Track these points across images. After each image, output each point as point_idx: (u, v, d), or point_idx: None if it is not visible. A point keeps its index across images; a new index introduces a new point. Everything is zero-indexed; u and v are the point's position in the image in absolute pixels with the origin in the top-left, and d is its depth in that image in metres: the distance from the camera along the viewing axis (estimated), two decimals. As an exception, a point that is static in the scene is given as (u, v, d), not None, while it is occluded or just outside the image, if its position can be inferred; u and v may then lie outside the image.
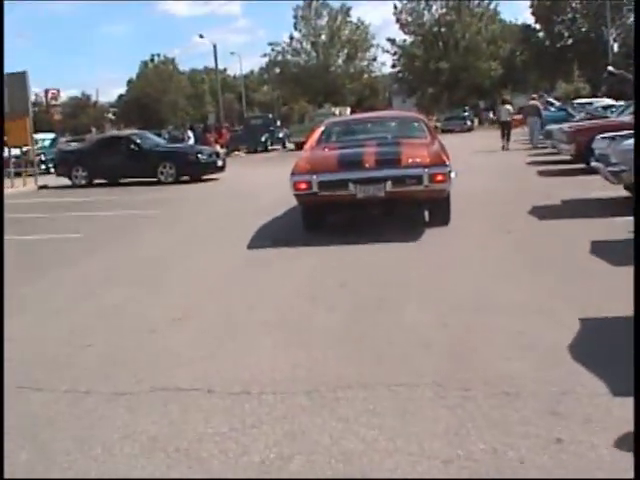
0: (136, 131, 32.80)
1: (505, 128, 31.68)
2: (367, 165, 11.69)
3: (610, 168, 12.12)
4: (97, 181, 26.09)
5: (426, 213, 12.68)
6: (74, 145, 36.00)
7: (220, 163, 25.86)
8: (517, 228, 11.36)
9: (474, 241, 10.62)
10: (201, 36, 73.11)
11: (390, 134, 13.71)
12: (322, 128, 14.58)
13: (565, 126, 21.13)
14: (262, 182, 22.61)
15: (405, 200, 11.75)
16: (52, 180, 27.04)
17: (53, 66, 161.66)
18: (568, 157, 20.26)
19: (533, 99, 33.70)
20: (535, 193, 15.40)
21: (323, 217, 12.57)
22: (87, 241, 12.94)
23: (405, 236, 11.21)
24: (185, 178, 24.92)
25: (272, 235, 12.15)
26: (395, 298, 7.48)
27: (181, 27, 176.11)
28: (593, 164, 13.85)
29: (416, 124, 14.55)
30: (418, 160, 11.61)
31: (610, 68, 32.85)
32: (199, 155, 25.32)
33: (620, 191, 12.82)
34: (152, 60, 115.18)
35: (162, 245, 12.16)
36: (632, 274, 6.34)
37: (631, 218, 8.42)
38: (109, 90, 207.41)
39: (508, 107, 32.87)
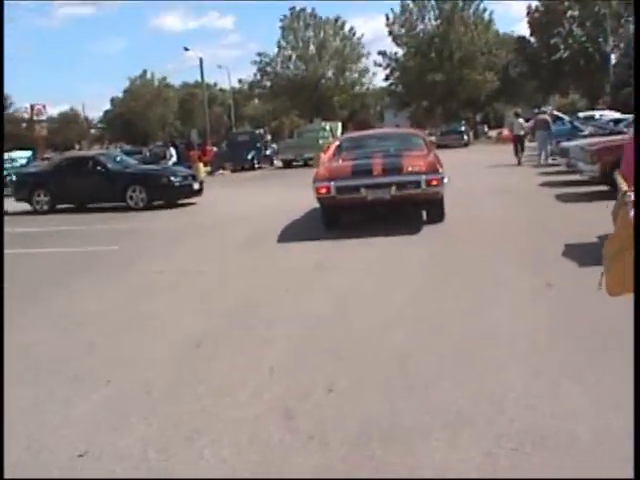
0: (103, 151, 30.28)
1: (519, 142, 30.62)
2: (375, 173, 14.35)
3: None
4: (62, 206, 23.39)
5: (424, 212, 15.08)
6: (36, 165, 33.47)
7: (197, 186, 23.21)
8: (556, 279, 8.81)
9: (509, 301, 8.06)
10: (186, 49, 69.94)
11: (393, 147, 16.35)
12: (337, 143, 18.10)
13: (586, 143, 18.65)
14: (242, 209, 20.23)
15: (407, 201, 14.49)
16: (12, 205, 24.13)
17: (45, 82, 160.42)
18: (586, 178, 17.81)
19: (542, 112, 31.94)
20: (561, 226, 13.00)
21: (339, 216, 15.14)
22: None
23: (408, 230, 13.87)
24: (159, 203, 22.25)
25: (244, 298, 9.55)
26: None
27: (174, 42, 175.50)
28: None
29: (415, 139, 17.56)
30: (417, 168, 14.32)
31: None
32: (172, 178, 22.62)
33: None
34: (142, 76, 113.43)
35: (95, 306, 9.43)
36: None
37: None
38: (102, 105, 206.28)
39: (521, 121, 31.71)
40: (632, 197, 3.16)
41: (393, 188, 14.13)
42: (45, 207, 23.19)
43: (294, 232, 14.98)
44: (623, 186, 3.37)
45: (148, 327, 8.01)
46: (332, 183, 14.31)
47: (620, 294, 3.60)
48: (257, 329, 7.57)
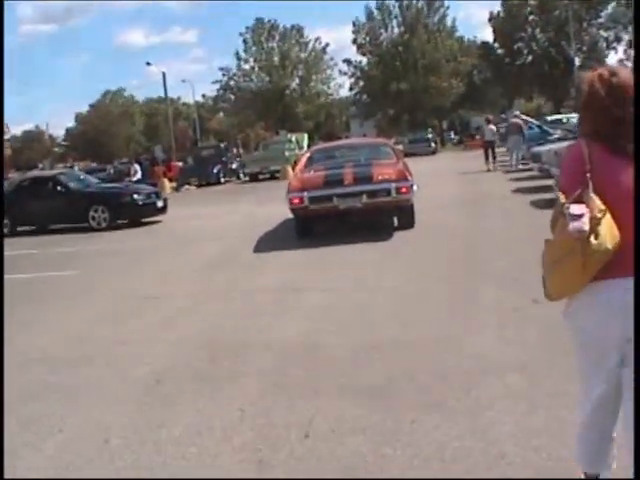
0: (64, 170, 29.48)
1: (490, 148, 30.59)
2: (346, 182, 14.68)
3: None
4: (24, 228, 22.62)
5: (395, 219, 15.41)
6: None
7: (160, 204, 22.51)
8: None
9: (495, 322, 7.51)
10: (148, 63, 69.01)
11: (363, 157, 16.71)
12: (308, 154, 18.22)
13: (560, 147, 18.18)
14: (209, 226, 19.57)
15: (378, 209, 14.93)
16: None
17: (8, 100, 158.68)
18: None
19: (515, 117, 31.66)
20: (538, 234, 12.45)
21: (313, 226, 15.39)
22: None
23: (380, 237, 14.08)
24: (123, 223, 21.55)
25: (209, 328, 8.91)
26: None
27: (138, 58, 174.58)
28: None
29: (383, 148, 18.03)
30: (386, 177, 14.69)
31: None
32: (135, 196, 21.94)
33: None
34: (107, 93, 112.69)
35: (47, 340, 8.74)
36: None
37: None
38: (67, 123, 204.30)
39: (492, 127, 31.69)
40: (571, 209, 3.30)
41: (364, 196, 14.52)
42: (5, 230, 22.36)
43: (264, 248, 14.43)
44: (561, 198, 3.46)
45: (105, 361, 7.38)
46: (305, 194, 14.64)
47: (558, 299, 3.69)
48: (225, 362, 6.97)
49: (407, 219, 15.17)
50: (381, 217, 15.63)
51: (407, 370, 6.22)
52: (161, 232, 20.00)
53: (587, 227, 3.29)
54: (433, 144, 60.61)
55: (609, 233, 3.36)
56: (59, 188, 22.58)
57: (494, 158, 30.41)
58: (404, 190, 14.50)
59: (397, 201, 14.67)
